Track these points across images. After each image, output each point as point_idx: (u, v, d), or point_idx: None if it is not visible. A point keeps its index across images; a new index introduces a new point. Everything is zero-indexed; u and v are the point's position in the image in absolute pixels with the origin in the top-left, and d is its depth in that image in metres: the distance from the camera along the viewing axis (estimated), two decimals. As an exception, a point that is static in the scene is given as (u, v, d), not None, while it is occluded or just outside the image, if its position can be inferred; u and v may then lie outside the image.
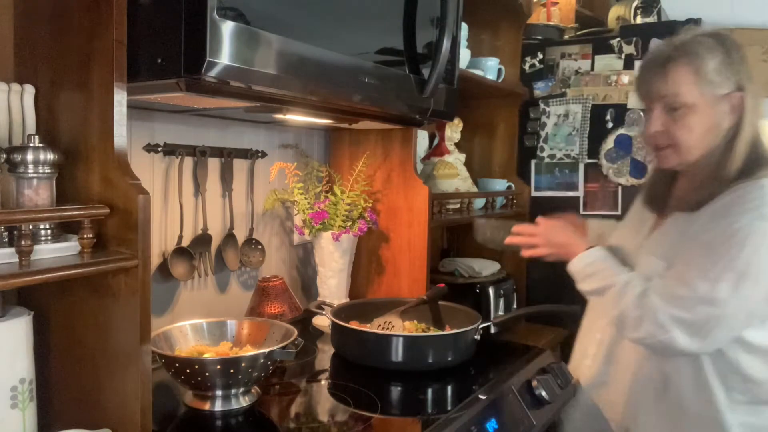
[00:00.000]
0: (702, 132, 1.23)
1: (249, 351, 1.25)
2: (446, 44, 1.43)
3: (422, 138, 2.17)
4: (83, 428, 0.96)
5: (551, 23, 2.44)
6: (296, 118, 1.51)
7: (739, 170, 1.23)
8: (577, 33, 2.45)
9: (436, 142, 2.21)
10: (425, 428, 1.16)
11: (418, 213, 1.80)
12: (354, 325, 1.52)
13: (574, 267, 1.33)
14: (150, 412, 0.95)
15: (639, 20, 2.39)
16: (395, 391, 1.39)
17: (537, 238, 1.39)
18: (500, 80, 2.17)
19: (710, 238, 1.19)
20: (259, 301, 1.63)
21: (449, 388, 1.39)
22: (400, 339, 1.44)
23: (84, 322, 0.98)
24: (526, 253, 1.42)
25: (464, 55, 1.97)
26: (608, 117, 2.19)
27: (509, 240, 1.44)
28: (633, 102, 2.14)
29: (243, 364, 1.16)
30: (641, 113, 2.13)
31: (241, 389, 1.21)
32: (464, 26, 1.91)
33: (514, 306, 2.08)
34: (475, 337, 1.51)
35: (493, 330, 1.63)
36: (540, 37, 2.38)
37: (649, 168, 1.52)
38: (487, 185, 2.26)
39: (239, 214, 1.68)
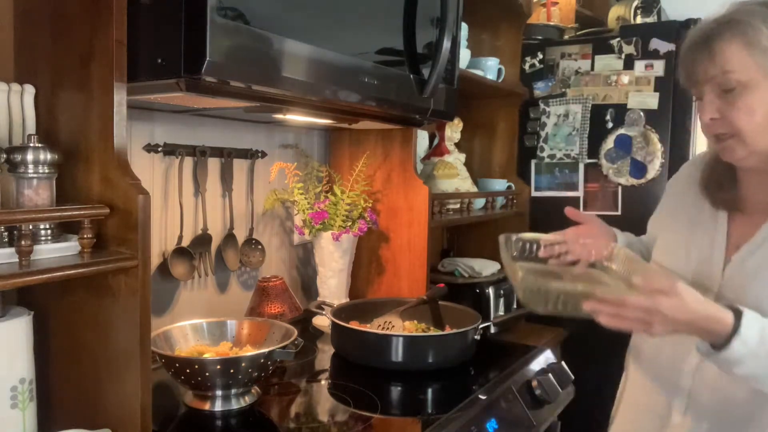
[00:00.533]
0: (766, 113, 1.02)
1: (249, 351, 1.25)
2: (446, 44, 1.43)
3: (422, 138, 2.17)
4: (83, 428, 0.96)
5: (551, 23, 2.44)
6: (296, 118, 1.51)
7: None
8: (577, 33, 2.44)
9: (436, 142, 2.21)
10: (425, 428, 1.16)
11: (418, 213, 1.80)
12: (354, 325, 1.52)
13: (739, 349, 0.94)
14: (150, 412, 0.95)
15: (639, 20, 2.39)
16: (395, 391, 1.39)
17: (651, 316, 0.94)
18: (500, 80, 2.17)
19: None
20: (259, 301, 1.63)
21: (449, 388, 1.39)
22: (400, 339, 1.44)
23: (84, 322, 0.99)
24: (611, 324, 0.97)
25: (464, 55, 1.97)
26: (608, 117, 2.19)
27: (591, 307, 0.97)
28: (633, 102, 2.14)
29: (243, 364, 1.16)
30: (641, 113, 2.13)
31: (241, 389, 1.21)
32: (464, 26, 1.90)
33: (514, 306, 2.08)
34: (475, 337, 1.51)
35: (493, 330, 1.63)
36: (540, 37, 2.38)
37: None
38: (487, 185, 2.26)
39: (239, 214, 1.68)
